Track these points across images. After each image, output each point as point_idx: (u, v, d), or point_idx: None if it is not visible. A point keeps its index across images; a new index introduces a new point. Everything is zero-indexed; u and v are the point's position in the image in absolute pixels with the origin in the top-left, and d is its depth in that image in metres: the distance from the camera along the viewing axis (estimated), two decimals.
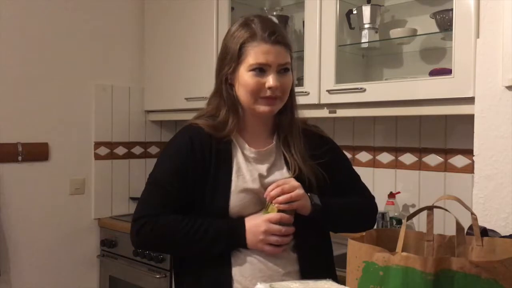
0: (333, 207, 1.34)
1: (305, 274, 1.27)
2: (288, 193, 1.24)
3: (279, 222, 1.24)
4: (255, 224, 1.26)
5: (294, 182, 1.27)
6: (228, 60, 1.31)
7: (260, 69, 1.27)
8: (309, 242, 1.34)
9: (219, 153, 1.32)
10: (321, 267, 1.34)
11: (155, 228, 1.28)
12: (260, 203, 1.31)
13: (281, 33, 1.30)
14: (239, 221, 1.28)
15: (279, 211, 1.25)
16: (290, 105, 1.37)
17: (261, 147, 1.36)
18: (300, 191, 1.26)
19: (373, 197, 1.49)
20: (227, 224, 1.28)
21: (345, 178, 1.45)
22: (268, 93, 1.27)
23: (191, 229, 1.26)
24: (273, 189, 1.25)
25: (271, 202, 1.26)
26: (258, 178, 1.31)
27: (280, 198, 1.24)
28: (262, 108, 1.30)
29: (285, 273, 1.29)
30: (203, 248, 1.27)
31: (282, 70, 1.29)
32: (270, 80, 1.26)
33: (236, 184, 1.29)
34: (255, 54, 1.26)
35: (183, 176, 1.30)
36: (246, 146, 1.35)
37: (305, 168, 1.33)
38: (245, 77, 1.28)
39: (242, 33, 1.29)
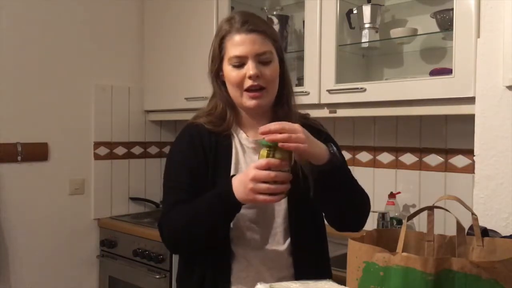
0: (346, 168, 1.28)
1: (300, 278, 1.27)
2: (289, 133, 1.12)
3: (268, 168, 1.12)
4: (244, 174, 1.17)
5: (297, 126, 1.16)
6: (214, 57, 1.33)
7: (239, 62, 1.27)
8: (306, 246, 1.33)
9: (219, 148, 1.33)
10: (317, 272, 1.30)
11: (168, 223, 1.30)
12: None
13: (255, 22, 1.29)
14: (228, 180, 1.22)
15: (269, 155, 1.13)
16: (286, 98, 1.36)
17: (259, 137, 1.35)
18: (302, 135, 1.13)
19: (369, 199, 1.41)
20: (218, 187, 1.25)
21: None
22: (250, 82, 1.26)
23: (192, 206, 1.25)
24: (270, 129, 1.12)
25: (265, 146, 1.14)
26: None
27: (279, 137, 1.11)
28: (248, 102, 1.29)
29: (279, 277, 1.29)
30: (209, 220, 1.23)
31: (264, 60, 1.28)
32: (249, 69, 1.26)
33: None
34: (231, 47, 1.28)
35: (191, 174, 1.31)
36: (244, 135, 1.36)
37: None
38: (227, 71, 1.30)
39: (222, 29, 1.31)
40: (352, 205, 1.30)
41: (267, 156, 1.14)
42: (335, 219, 1.35)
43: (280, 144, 1.12)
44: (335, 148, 1.23)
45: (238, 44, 1.27)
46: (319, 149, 1.18)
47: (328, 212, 1.34)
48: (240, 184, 1.17)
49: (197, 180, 1.31)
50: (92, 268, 2.75)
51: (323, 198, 1.26)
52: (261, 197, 1.13)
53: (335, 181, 1.21)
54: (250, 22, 1.28)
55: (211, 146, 1.33)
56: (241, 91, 1.29)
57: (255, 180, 1.13)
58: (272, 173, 1.12)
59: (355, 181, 1.34)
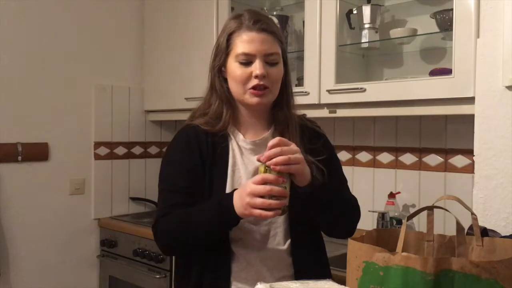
0: (330, 187, 1.28)
1: (300, 278, 1.27)
2: (288, 154, 1.14)
3: (264, 183, 1.13)
4: (242, 188, 1.18)
5: (294, 146, 1.18)
6: (219, 53, 1.32)
7: (247, 59, 1.26)
8: (306, 246, 1.33)
9: (215, 148, 1.33)
10: (316, 272, 1.30)
11: (163, 228, 1.29)
12: None
13: (267, 22, 1.29)
14: (230, 192, 1.23)
15: (266, 170, 1.14)
16: (286, 100, 1.36)
17: (256, 138, 1.35)
18: (299, 155, 1.17)
19: (359, 207, 1.42)
20: (219, 197, 1.26)
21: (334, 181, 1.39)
22: (255, 81, 1.26)
23: (190, 214, 1.26)
24: (270, 148, 1.14)
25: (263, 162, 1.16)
26: (253, 172, 1.29)
27: (279, 159, 1.13)
28: (251, 99, 1.29)
29: (279, 277, 1.29)
30: (205, 229, 1.23)
31: (271, 61, 1.28)
32: (257, 68, 1.25)
33: (231, 179, 1.30)
34: (240, 43, 1.27)
35: (187, 176, 1.30)
36: (241, 137, 1.35)
37: None
38: (232, 68, 1.29)
39: (230, 25, 1.30)
40: (337, 219, 1.32)
41: (265, 172, 1.15)
42: (323, 229, 1.39)
43: (272, 167, 1.13)
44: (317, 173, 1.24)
45: (248, 41, 1.26)
46: (307, 171, 1.20)
47: (315, 223, 1.35)
48: (239, 198, 1.18)
49: (194, 183, 1.30)
50: (92, 268, 2.75)
51: (308, 213, 1.29)
52: (257, 211, 1.14)
53: (315, 202, 1.25)
54: (263, 22, 1.28)
55: (208, 148, 1.32)
56: (244, 88, 1.28)
57: (252, 194, 1.14)
58: (267, 187, 1.13)
59: (342, 194, 1.35)
